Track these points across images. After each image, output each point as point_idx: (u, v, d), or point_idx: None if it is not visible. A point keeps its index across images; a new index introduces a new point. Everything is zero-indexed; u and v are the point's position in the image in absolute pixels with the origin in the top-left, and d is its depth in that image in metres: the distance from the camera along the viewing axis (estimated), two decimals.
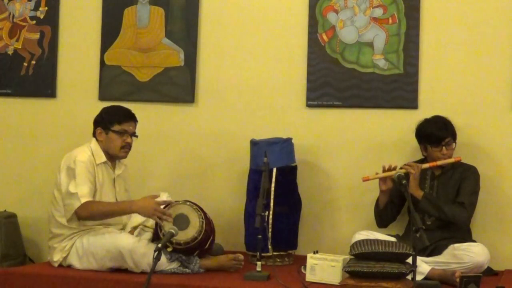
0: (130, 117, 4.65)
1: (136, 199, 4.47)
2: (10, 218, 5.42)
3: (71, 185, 4.41)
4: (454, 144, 4.69)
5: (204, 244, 4.43)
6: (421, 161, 4.73)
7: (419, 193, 4.58)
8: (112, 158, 4.65)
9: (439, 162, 4.64)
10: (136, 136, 4.66)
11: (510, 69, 4.87)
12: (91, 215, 4.41)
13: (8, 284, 4.35)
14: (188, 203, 4.49)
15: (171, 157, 5.45)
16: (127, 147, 4.62)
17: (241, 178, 5.14)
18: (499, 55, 4.89)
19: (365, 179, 4.70)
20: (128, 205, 4.43)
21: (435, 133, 4.65)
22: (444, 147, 4.65)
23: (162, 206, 4.42)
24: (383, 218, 4.79)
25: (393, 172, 4.59)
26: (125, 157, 4.66)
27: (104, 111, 4.67)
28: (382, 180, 4.67)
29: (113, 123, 4.59)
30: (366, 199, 4.98)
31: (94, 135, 4.65)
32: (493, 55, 4.91)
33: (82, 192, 4.39)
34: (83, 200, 4.37)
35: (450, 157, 4.66)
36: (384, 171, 4.65)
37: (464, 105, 4.94)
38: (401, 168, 4.61)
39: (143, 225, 4.57)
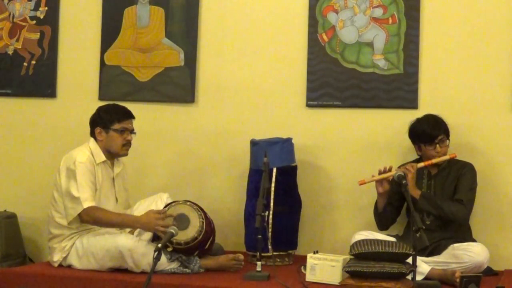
0: (129, 115, 4.66)
1: (140, 216, 4.43)
2: (10, 218, 5.42)
3: (72, 188, 4.40)
4: (447, 141, 4.68)
5: (204, 244, 4.43)
6: (417, 161, 4.71)
7: (416, 193, 4.57)
8: (111, 157, 4.65)
9: (434, 160, 4.63)
10: (134, 133, 4.66)
11: (510, 69, 4.87)
12: (94, 221, 4.42)
13: (8, 284, 4.34)
14: (188, 203, 4.49)
15: (171, 157, 5.45)
16: (128, 144, 4.63)
17: (241, 178, 5.13)
18: (499, 55, 4.89)
19: (361, 183, 4.68)
20: (132, 221, 4.43)
21: (428, 131, 4.64)
22: (437, 145, 4.64)
23: (162, 207, 4.44)
24: (383, 220, 4.78)
25: (389, 174, 4.58)
26: (126, 154, 4.66)
27: (102, 110, 4.66)
28: (379, 182, 4.66)
29: (113, 122, 4.59)
30: (366, 199, 4.97)
31: (92, 135, 4.64)
32: (493, 55, 4.91)
33: (85, 196, 4.39)
34: (85, 205, 4.37)
35: (444, 154, 4.64)
36: (380, 173, 4.65)
37: (464, 105, 4.94)
38: (398, 167, 4.61)
39: None
